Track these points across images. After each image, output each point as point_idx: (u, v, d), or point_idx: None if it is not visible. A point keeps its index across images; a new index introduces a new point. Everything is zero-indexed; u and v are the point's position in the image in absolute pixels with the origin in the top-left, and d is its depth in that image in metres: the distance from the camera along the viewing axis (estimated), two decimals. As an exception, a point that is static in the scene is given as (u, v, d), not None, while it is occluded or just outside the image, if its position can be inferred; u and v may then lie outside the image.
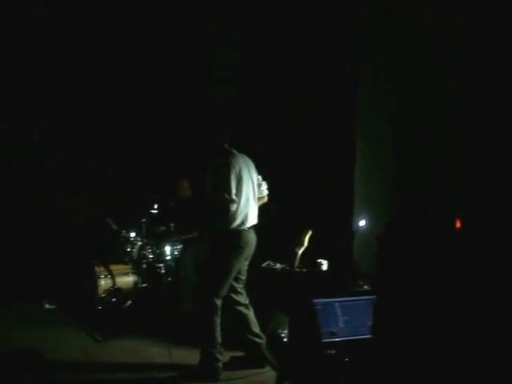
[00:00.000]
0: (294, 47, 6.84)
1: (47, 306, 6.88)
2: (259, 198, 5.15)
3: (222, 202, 4.73)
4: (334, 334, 4.35)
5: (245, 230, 4.89)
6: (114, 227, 7.03)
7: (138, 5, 7.96)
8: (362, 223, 5.81)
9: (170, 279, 6.68)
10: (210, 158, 5.04)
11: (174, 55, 8.14)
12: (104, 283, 6.57)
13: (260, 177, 5.15)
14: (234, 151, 4.98)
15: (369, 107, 6.19)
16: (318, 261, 5.82)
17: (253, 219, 4.99)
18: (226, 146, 4.98)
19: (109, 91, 8.30)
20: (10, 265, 7.40)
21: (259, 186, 5.13)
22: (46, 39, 8.08)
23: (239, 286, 5.08)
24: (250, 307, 5.13)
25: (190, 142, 7.22)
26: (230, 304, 5.03)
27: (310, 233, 5.41)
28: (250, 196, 4.94)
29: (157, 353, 5.49)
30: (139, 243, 6.75)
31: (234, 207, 4.75)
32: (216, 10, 7.80)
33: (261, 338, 5.09)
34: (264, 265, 5.97)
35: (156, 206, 6.76)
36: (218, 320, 4.86)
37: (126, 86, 8.23)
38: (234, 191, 4.74)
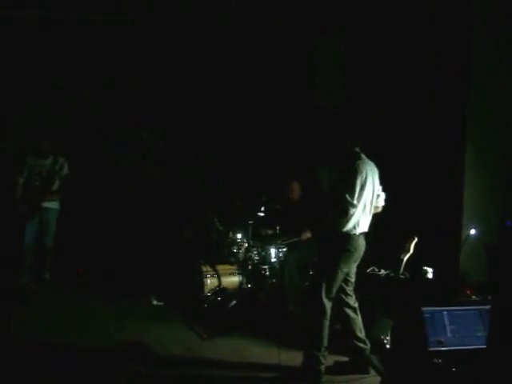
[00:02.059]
0: (401, 46, 6.74)
1: (155, 302, 7.11)
2: (374, 208, 5.11)
3: (342, 203, 4.77)
4: (441, 343, 4.29)
5: (355, 234, 4.89)
6: (221, 228, 7.19)
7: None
8: (473, 231, 5.67)
9: (274, 281, 6.77)
10: (337, 160, 5.10)
11: (281, 58, 8.24)
12: (210, 282, 6.77)
13: (381, 187, 5.13)
14: (364, 156, 4.99)
15: (480, 110, 6.03)
16: (424, 268, 5.73)
17: (365, 226, 4.98)
18: (356, 150, 5.00)
19: (221, 96, 8.52)
20: (123, 264, 7.74)
21: (377, 196, 5.10)
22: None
23: (349, 289, 5.09)
24: (358, 312, 5.12)
25: (299, 144, 7.28)
26: (340, 305, 5.06)
27: (415, 240, 5.35)
28: (367, 203, 4.94)
29: (259, 352, 5.55)
30: (245, 245, 6.89)
31: (352, 211, 4.78)
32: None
33: (365, 344, 5.07)
34: (368, 270, 5.93)
35: (263, 209, 6.86)
36: (326, 323, 4.87)
37: (237, 92, 8.42)
38: (356, 196, 4.77)
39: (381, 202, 5.18)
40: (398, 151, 6.57)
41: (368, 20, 7.18)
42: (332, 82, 7.81)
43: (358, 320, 5.10)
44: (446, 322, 4.38)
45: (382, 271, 5.90)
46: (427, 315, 4.36)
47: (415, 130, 6.55)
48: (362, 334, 5.07)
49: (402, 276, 5.45)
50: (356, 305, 5.13)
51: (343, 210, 4.78)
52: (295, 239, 6.84)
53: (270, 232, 7.07)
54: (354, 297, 5.13)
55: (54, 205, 7.75)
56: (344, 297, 5.07)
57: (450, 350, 4.30)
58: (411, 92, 6.64)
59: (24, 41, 8.43)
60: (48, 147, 7.66)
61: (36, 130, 8.20)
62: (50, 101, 8.63)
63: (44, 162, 7.66)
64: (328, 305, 4.86)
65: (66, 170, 7.74)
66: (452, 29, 6.17)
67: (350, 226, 4.85)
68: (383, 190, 5.18)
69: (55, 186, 7.71)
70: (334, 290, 4.91)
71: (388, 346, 5.27)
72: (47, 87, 8.65)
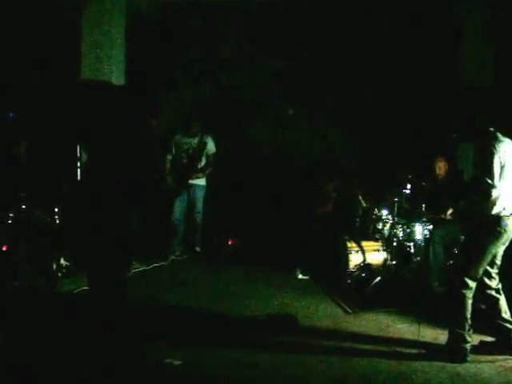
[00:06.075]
0: None
1: (300, 276, 7.33)
2: None
3: (483, 186, 4.64)
4: None
5: (506, 216, 4.75)
6: (366, 205, 7.24)
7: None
8: None
9: (418, 258, 6.75)
10: (471, 139, 5.00)
11: (427, 33, 8.13)
12: (355, 258, 6.88)
13: None
14: (500, 135, 4.79)
15: None
16: None
17: None
18: (491, 129, 4.83)
19: (366, 74, 8.55)
20: (270, 237, 8.01)
21: None
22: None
23: (493, 271, 4.96)
24: (502, 292, 4.99)
25: (447, 121, 7.15)
26: (481, 288, 4.95)
27: None
28: None
29: (404, 329, 5.58)
30: (390, 221, 6.89)
31: (495, 193, 4.64)
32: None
33: (512, 324, 4.97)
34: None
35: (409, 186, 6.82)
36: (469, 302, 4.82)
37: (382, 69, 8.42)
38: (496, 177, 4.62)
39: None
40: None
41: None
42: (480, 57, 7.58)
43: (502, 301, 4.98)
44: None
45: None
46: None
47: None
48: (507, 315, 4.95)
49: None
50: (499, 286, 5.00)
51: (485, 194, 4.65)
52: (441, 216, 6.76)
53: (414, 209, 6.99)
54: (497, 279, 5.00)
55: (201, 181, 8.14)
56: (487, 279, 4.95)
57: None
58: None
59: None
60: (197, 127, 8.05)
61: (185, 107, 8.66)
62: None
63: (190, 140, 8.04)
64: (472, 285, 4.81)
65: (212, 148, 8.09)
66: None
67: (499, 207, 4.72)
68: None
69: (201, 164, 8.09)
70: (480, 271, 4.83)
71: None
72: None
